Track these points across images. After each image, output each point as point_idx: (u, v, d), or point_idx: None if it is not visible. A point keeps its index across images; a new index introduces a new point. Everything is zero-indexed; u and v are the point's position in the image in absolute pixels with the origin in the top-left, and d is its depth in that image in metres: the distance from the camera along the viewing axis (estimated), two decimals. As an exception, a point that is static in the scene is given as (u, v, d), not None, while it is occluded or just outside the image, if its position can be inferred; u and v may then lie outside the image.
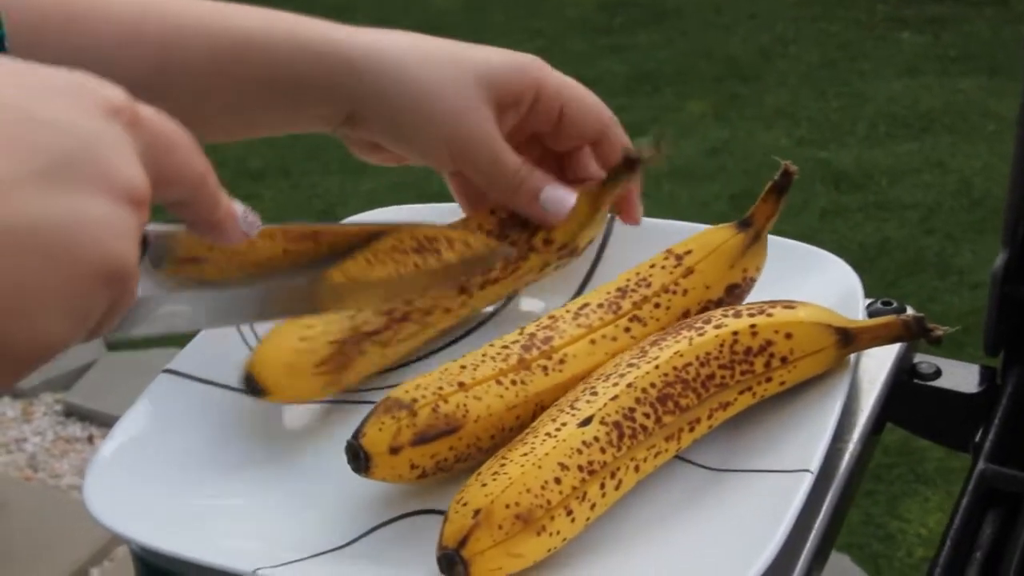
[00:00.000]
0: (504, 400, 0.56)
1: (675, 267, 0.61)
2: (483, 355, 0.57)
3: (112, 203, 0.36)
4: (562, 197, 0.63)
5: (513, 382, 0.57)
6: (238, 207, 0.45)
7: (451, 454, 0.55)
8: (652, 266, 0.62)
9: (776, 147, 2.82)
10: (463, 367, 0.57)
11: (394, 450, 0.54)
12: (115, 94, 0.38)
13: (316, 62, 0.61)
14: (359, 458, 0.54)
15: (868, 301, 0.65)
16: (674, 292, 0.61)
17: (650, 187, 2.69)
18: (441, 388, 0.55)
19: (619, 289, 0.61)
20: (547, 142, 0.66)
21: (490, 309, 0.69)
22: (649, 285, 0.61)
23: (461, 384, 0.56)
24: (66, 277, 0.35)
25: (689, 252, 0.61)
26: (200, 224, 0.44)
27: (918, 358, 0.66)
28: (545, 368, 0.57)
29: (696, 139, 2.93)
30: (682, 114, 3.08)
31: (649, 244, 0.64)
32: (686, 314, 0.61)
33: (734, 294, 0.62)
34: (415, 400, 0.55)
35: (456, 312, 0.64)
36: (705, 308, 0.61)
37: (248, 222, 0.46)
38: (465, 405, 0.55)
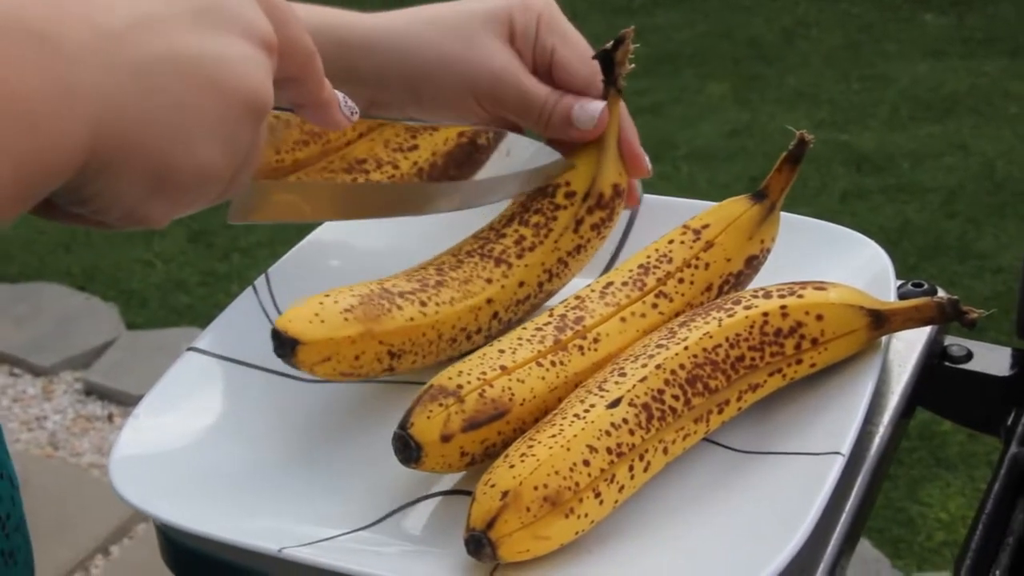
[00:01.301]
0: (546, 382, 0.56)
1: (694, 241, 0.61)
2: (518, 338, 0.57)
3: (251, 46, 0.40)
4: (590, 108, 0.63)
5: (552, 363, 0.56)
6: (338, 94, 0.50)
7: (499, 439, 0.55)
8: (671, 242, 0.61)
9: (797, 129, 2.80)
10: (501, 351, 0.56)
11: (445, 438, 0.53)
12: None
13: (336, 46, 0.62)
14: (409, 448, 0.53)
15: (899, 283, 0.64)
16: (696, 267, 0.60)
17: (669, 169, 2.69)
18: (484, 373, 0.55)
19: (641, 266, 0.60)
20: None
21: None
22: (671, 261, 0.60)
23: (503, 368, 0.55)
24: (220, 105, 0.39)
25: (707, 226, 0.61)
26: (309, 104, 0.48)
27: (948, 340, 0.65)
28: (581, 348, 0.57)
29: (716, 121, 2.91)
30: (702, 95, 3.06)
31: (675, 224, 0.63)
32: (709, 288, 0.60)
33: (752, 265, 0.62)
34: (460, 386, 0.54)
35: (499, 282, 0.62)
36: (727, 281, 0.61)
37: (349, 106, 0.50)
38: (510, 388, 0.55)
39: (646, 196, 0.71)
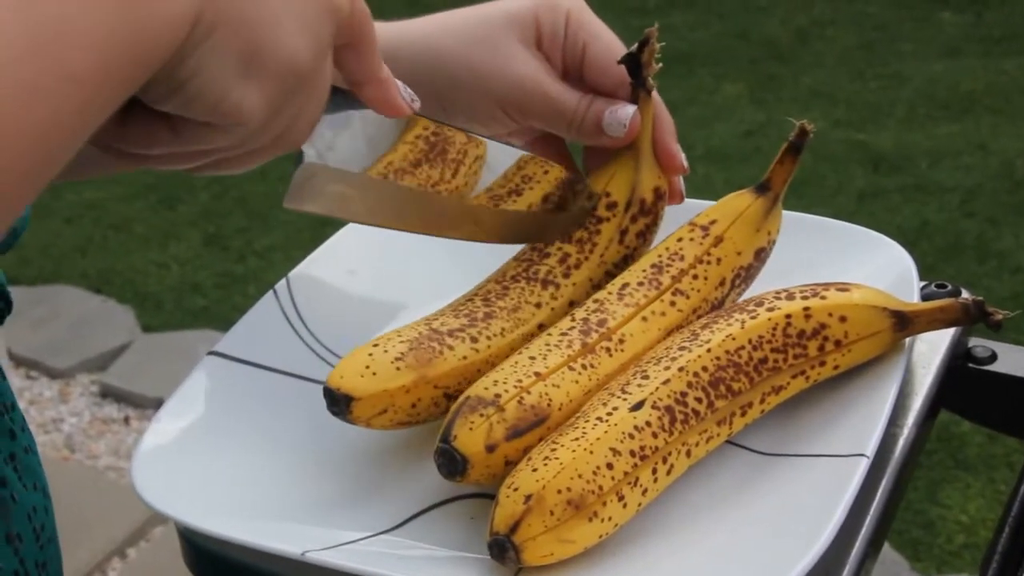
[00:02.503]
0: (580, 385, 0.55)
1: (703, 238, 0.61)
2: (546, 344, 0.56)
3: None
4: (621, 115, 0.61)
5: (584, 367, 0.56)
6: (398, 81, 0.50)
7: None
8: (680, 240, 0.61)
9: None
10: (532, 358, 0.56)
11: (490, 448, 0.53)
12: None
13: None
14: (455, 461, 0.53)
15: (922, 284, 0.64)
16: (708, 262, 0.60)
17: (686, 170, 2.68)
18: (520, 381, 0.54)
19: (654, 266, 0.60)
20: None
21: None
22: (683, 258, 0.60)
23: (537, 374, 0.55)
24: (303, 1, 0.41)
25: (714, 222, 0.61)
26: (368, 81, 0.49)
27: (973, 342, 0.65)
28: (608, 350, 0.57)
29: (732, 121, 2.91)
30: (717, 96, 3.06)
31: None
32: (722, 282, 0.60)
33: (760, 257, 0.61)
34: (498, 395, 0.54)
35: (548, 305, 0.61)
36: (738, 275, 0.61)
37: (409, 93, 0.51)
38: (547, 394, 0.54)
39: None
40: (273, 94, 0.41)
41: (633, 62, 0.61)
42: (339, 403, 0.56)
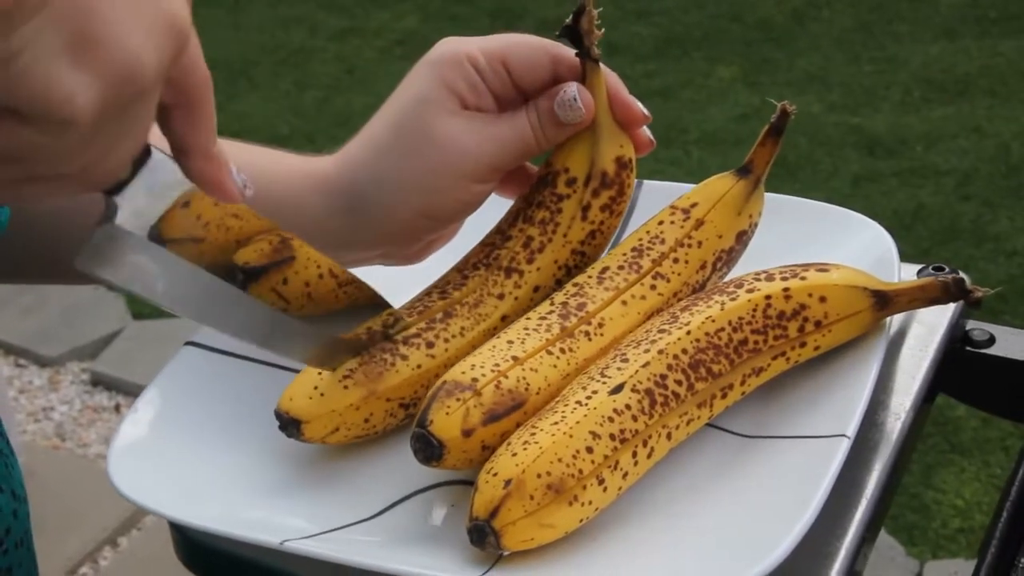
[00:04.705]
0: (558, 370, 0.55)
1: (684, 221, 0.60)
2: (524, 328, 0.56)
3: None
4: (567, 98, 0.59)
5: (562, 351, 0.55)
6: (231, 163, 0.45)
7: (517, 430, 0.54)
8: (660, 223, 0.60)
9: (808, 113, 2.78)
10: (510, 342, 0.55)
11: (467, 433, 0.52)
12: None
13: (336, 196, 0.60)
14: (431, 446, 0.52)
15: (919, 267, 0.64)
16: (689, 246, 0.59)
17: (679, 154, 2.67)
18: (497, 365, 0.54)
19: (634, 249, 0.59)
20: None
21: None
22: (663, 241, 0.59)
23: (515, 358, 0.54)
24: (154, 9, 0.38)
25: (695, 205, 0.60)
26: (196, 151, 0.44)
27: (971, 325, 0.64)
28: (587, 334, 0.56)
29: (726, 105, 2.90)
30: (712, 79, 3.05)
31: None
32: (703, 266, 0.60)
33: (742, 240, 0.61)
34: (475, 380, 0.53)
35: (512, 295, 0.60)
36: (719, 258, 0.60)
37: (242, 179, 0.46)
38: (525, 379, 0.54)
39: (646, 182, 0.69)
40: (108, 95, 0.38)
41: (573, 33, 0.59)
42: (288, 426, 0.56)
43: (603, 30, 0.59)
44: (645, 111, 0.61)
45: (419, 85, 0.59)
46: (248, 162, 0.52)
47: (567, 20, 0.59)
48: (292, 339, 0.54)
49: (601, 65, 0.60)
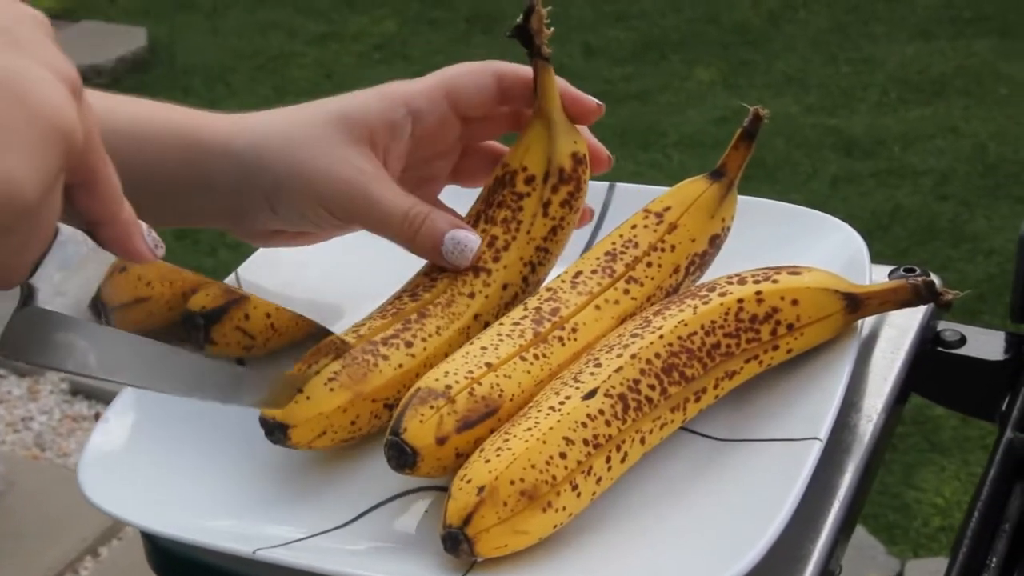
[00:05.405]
0: (532, 376, 0.55)
1: (657, 225, 0.60)
2: (497, 334, 0.56)
3: (54, 77, 0.39)
4: (465, 242, 0.59)
5: (536, 356, 0.55)
6: (142, 224, 0.45)
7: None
8: (633, 227, 0.60)
9: (786, 114, 2.79)
10: (484, 348, 0.55)
11: (440, 440, 0.52)
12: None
13: (189, 149, 0.60)
14: (405, 454, 0.52)
15: (890, 269, 0.64)
16: (662, 250, 0.59)
17: (659, 157, 2.68)
18: (471, 371, 0.54)
19: (608, 253, 0.59)
20: (479, 124, 0.63)
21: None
22: (636, 245, 0.60)
23: (489, 365, 0.54)
24: (26, 118, 0.37)
25: (668, 209, 0.60)
26: (105, 222, 0.44)
27: (942, 326, 0.64)
28: (561, 339, 0.56)
29: (705, 107, 2.90)
30: (690, 82, 3.05)
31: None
32: (676, 269, 0.60)
33: (715, 244, 0.61)
34: (449, 387, 0.53)
35: (482, 293, 0.60)
36: (692, 262, 0.60)
37: (153, 238, 0.46)
38: (498, 385, 0.54)
39: (619, 185, 0.70)
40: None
41: (523, 32, 0.60)
42: (275, 432, 0.55)
43: (552, 29, 0.60)
44: (597, 101, 0.62)
45: (348, 103, 0.59)
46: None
47: (517, 20, 0.59)
48: (240, 388, 0.53)
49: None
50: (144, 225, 0.46)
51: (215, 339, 0.51)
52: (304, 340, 0.55)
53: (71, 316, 0.44)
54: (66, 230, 0.43)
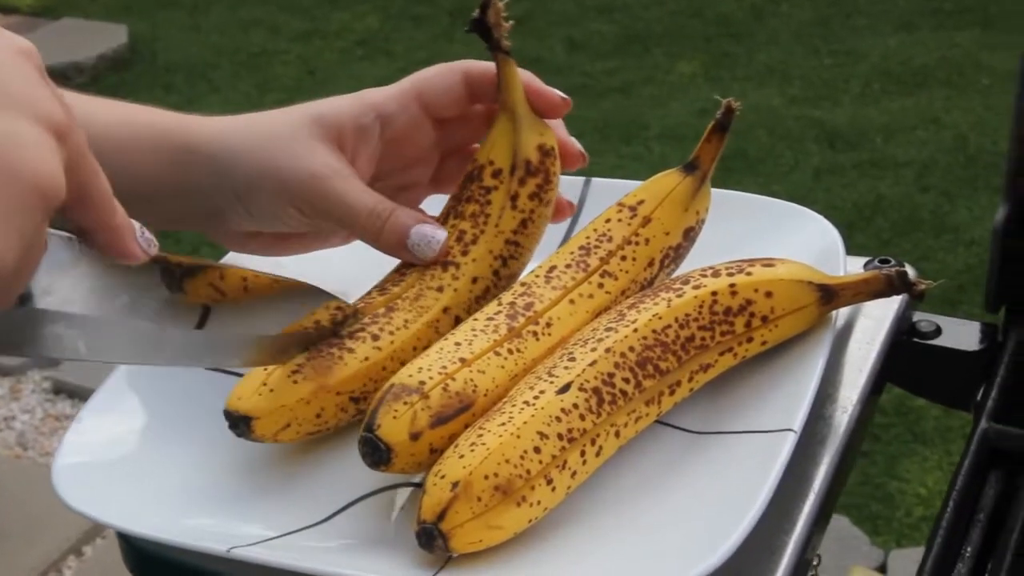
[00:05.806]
0: (506, 371, 0.55)
1: (631, 218, 0.60)
2: (472, 330, 0.56)
3: (41, 131, 0.39)
4: (429, 234, 0.59)
5: (510, 351, 0.55)
6: (135, 223, 0.46)
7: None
8: (607, 221, 0.60)
9: (768, 106, 2.80)
10: (458, 344, 0.55)
11: (414, 436, 0.52)
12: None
13: (176, 151, 0.60)
14: (379, 450, 0.52)
15: (866, 260, 0.64)
16: (636, 243, 0.59)
17: (641, 150, 2.68)
18: (445, 367, 0.53)
19: (582, 247, 0.59)
20: (455, 126, 0.64)
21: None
22: (610, 239, 0.59)
23: (463, 360, 0.54)
24: (5, 187, 0.37)
25: (642, 202, 0.60)
26: (99, 229, 0.45)
27: (917, 316, 0.65)
28: (535, 334, 0.56)
29: (687, 100, 2.90)
30: (672, 75, 3.05)
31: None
32: (651, 263, 0.60)
33: (690, 237, 0.61)
34: (423, 383, 0.53)
35: (451, 287, 0.60)
36: (667, 255, 0.60)
37: (146, 238, 0.47)
38: (472, 380, 0.54)
39: (594, 180, 0.70)
40: None
41: (481, 27, 0.60)
42: (239, 424, 0.55)
43: (511, 22, 0.60)
44: (562, 95, 0.62)
45: (321, 106, 0.60)
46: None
47: (473, 14, 0.59)
48: (228, 349, 0.53)
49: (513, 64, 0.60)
50: (136, 224, 0.46)
51: (186, 289, 0.52)
52: (292, 297, 0.56)
53: (60, 311, 0.46)
54: (56, 237, 0.44)
